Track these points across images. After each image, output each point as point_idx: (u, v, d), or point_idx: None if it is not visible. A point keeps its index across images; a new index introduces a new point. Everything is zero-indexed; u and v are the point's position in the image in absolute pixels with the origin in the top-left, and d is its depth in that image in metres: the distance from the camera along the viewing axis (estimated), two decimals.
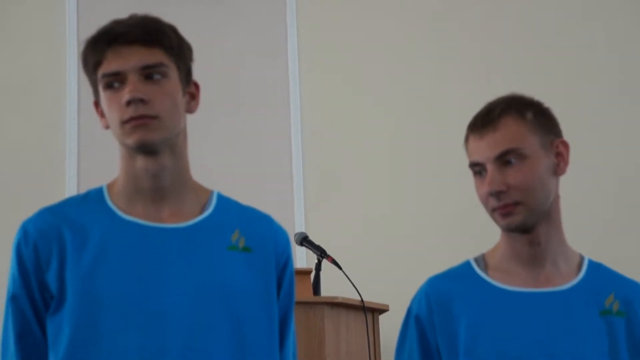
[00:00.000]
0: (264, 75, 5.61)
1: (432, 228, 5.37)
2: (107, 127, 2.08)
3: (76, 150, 5.39)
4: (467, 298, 2.15)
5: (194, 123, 2.19)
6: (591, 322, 2.11)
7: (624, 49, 5.62)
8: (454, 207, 5.21)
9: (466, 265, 2.23)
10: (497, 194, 2.08)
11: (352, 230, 5.31)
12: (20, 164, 5.38)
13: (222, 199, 2.19)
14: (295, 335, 2.25)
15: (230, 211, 2.17)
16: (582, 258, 2.22)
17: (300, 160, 5.48)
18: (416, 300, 2.21)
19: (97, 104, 2.10)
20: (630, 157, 5.46)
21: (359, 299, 3.59)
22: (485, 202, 2.12)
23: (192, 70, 2.14)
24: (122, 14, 2.11)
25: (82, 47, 2.09)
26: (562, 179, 2.18)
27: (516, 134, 2.10)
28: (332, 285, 3.82)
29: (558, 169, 2.15)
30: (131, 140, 2.01)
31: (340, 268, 3.66)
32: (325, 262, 3.79)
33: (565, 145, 2.17)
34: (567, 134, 2.20)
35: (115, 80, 2.02)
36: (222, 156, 5.39)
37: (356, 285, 3.55)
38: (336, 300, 3.60)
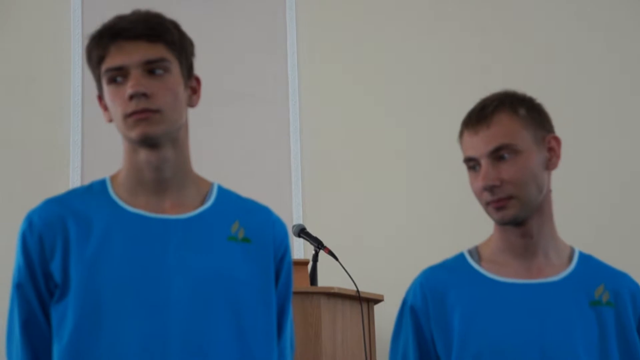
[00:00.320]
0: (263, 70, 5.61)
1: (427, 221, 5.37)
2: (110, 120, 2.08)
3: (80, 143, 5.39)
4: (461, 289, 2.16)
5: (195, 117, 2.19)
6: (581, 312, 2.12)
7: (618, 47, 5.62)
8: (448, 201, 5.21)
9: (460, 257, 2.23)
10: (491, 189, 2.08)
11: (349, 222, 5.31)
12: (25, 156, 5.38)
13: (222, 191, 2.19)
14: (292, 324, 2.25)
15: (230, 203, 2.17)
16: (572, 250, 2.22)
17: (298, 153, 5.48)
18: (411, 291, 2.21)
19: (100, 97, 2.10)
20: (622, 153, 5.47)
21: (355, 289, 3.59)
22: (479, 196, 2.12)
23: (194, 65, 2.14)
24: (126, 9, 2.10)
25: (86, 42, 2.09)
26: (554, 173, 2.19)
27: (509, 130, 2.10)
28: (329, 276, 3.82)
29: (550, 163, 2.15)
30: (134, 134, 2.01)
31: (336, 259, 3.66)
32: (322, 253, 3.79)
33: (557, 140, 2.17)
34: (558, 130, 2.20)
35: (118, 75, 2.01)
36: (222, 149, 5.39)
37: (352, 276, 3.55)
38: (332, 291, 3.60)
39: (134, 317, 1.97)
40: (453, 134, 2.21)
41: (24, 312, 2.03)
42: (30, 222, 2.05)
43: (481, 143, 2.10)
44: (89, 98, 5.23)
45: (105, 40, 2.03)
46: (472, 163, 2.13)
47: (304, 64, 5.61)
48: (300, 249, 5.09)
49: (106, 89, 2.04)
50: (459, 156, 2.17)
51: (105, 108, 2.08)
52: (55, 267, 2.01)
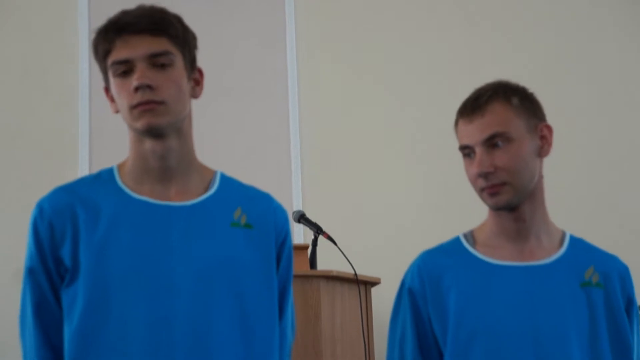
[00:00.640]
0: (263, 61, 5.59)
1: (422, 206, 5.37)
2: (116, 111, 2.08)
3: (88, 133, 5.38)
4: (457, 271, 2.16)
5: (198, 108, 2.19)
6: (572, 293, 2.12)
7: (606, 38, 5.62)
8: (443, 186, 5.21)
9: (456, 240, 2.24)
10: (486, 175, 2.08)
11: (347, 208, 5.31)
12: (35, 146, 5.37)
13: (225, 178, 2.19)
14: (293, 306, 2.25)
15: (233, 190, 2.17)
16: (564, 233, 2.23)
17: (297, 143, 5.47)
18: (409, 274, 2.21)
19: (107, 89, 2.10)
20: (611, 141, 5.48)
21: (353, 272, 3.59)
22: (474, 183, 2.13)
23: (196, 58, 2.14)
24: (131, 4, 2.10)
25: (93, 36, 2.09)
26: (546, 160, 2.19)
27: (503, 119, 2.10)
28: (328, 260, 3.81)
29: (542, 151, 2.15)
30: (139, 124, 2.01)
31: (335, 244, 3.65)
32: (321, 238, 3.79)
33: (549, 128, 2.16)
34: (550, 119, 2.21)
35: (124, 68, 2.01)
36: (225, 138, 5.39)
37: (350, 260, 3.55)
38: (331, 274, 3.60)
39: (140, 299, 1.97)
40: (450, 122, 2.21)
41: (36, 295, 2.04)
42: (41, 210, 2.06)
43: (476, 131, 2.10)
44: (97, 90, 5.21)
45: (111, 34, 2.02)
46: (467, 150, 2.13)
47: (302, 57, 5.60)
48: (300, 234, 5.09)
49: (112, 81, 2.04)
50: (455, 143, 2.17)
51: (111, 99, 2.08)
52: (65, 253, 2.01)
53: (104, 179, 2.12)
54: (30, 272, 2.04)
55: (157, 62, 2.01)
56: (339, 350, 3.57)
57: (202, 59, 2.16)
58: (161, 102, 2.00)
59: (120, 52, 2.01)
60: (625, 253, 2.35)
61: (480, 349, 2.07)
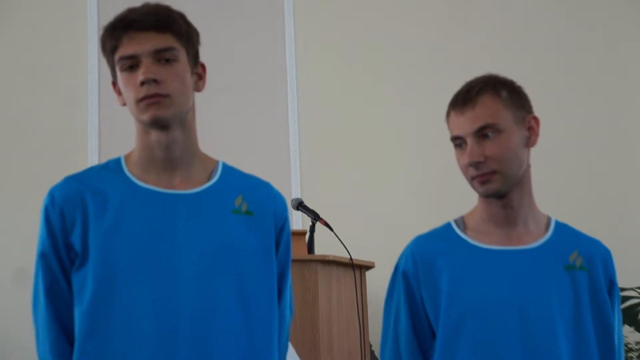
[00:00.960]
0: (263, 56, 5.58)
1: (415, 194, 5.38)
2: (123, 104, 2.08)
3: (97, 124, 5.38)
4: (449, 255, 2.16)
5: (201, 100, 2.19)
6: (557, 275, 2.12)
7: (592, 33, 5.61)
8: (434, 176, 5.21)
9: (447, 226, 2.24)
10: (476, 164, 2.08)
11: (343, 196, 5.31)
12: (47, 137, 5.37)
13: (226, 168, 2.18)
14: (292, 289, 2.25)
15: (234, 179, 2.16)
16: (549, 219, 2.23)
17: (296, 134, 5.47)
18: (403, 257, 2.22)
19: (114, 84, 2.09)
20: (594, 132, 5.48)
21: (348, 257, 3.59)
22: (465, 172, 2.13)
23: (199, 53, 2.14)
24: (137, 2, 2.10)
25: (101, 32, 2.08)
26: (533, 150, 2.19)
27: (492, 111, 2.10)
28: (325, 245, 3.81)
29: (529, 141, 2.15)
30: (145, 117, 2.01)
31: (331, 230, 3.65)
32: (318, 225, 3.78)
33: (536, 120, 2.16)
34: (537, 110, 2.21)
35: (130, 63, 2.01)
36: (227, 130, 5.38)
37: (346, 245, 3.55)
38: (328, 258, 3.60)
39: (146, 283, 1.97)
40: (442, 114, 2.20)
41: (47, 279, 2.03)
42: (52, 198, 2.05)
43: (467, 123, 2.10)
44: (105, 84, 5.20)
45: (118, 31, 2.02)
46: (458, 141, 2.13)
47: (301, 47, 5.59)
48: (298, 221, 5.09)
49: (120, 75, 2.04)
50: (446, 134, 2.17)
51: (119, 93, 2.08)
52: (75, 238, 2.01)
53: (111, 168, 2.12)
54: (43, 257, 2.04)
55: (162, 57, 2.01)
56: (335, 330, 3.57)
57: (205, 55, 2.16)
58: (166, 95, 2.00)
59: (127, 48, 2.01)
60: (605, 237, 2.35)
61: (470, 328, 2.07)
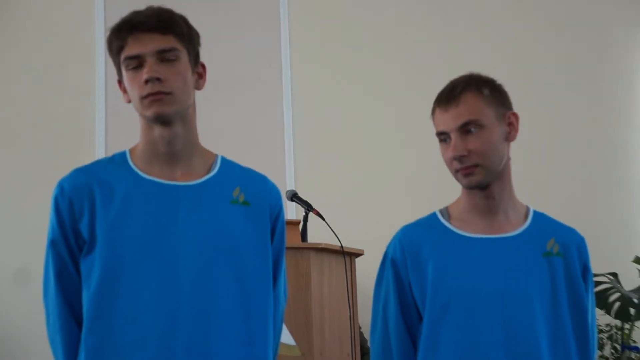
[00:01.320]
0: (259, 55, 5.57)
1: (402, 186, 5.38)
2: (128, 101, 2.08)
3: (104, 121, 5.37)
4: (434, 243, 2.16)
5: (201, 98, 2.19)
6: (535, 261, 2.13)
7: (567, 33, 5.62)
8: (420, 169, 5.21)
9: (432, 216, 2.24)
10: (460, 158, 2.08)
11: (334, 188, 5.31)
12: (56, 131, 5.37)
13: (225, 161, 2.19)
14: (286, 275, 2.26)
15: (232, 172, 2.17)
16: (528, 209, 2.23)
17: (290, 130, 5.47)
18: (391, 245, 2.22)
19: (120, 82, 2.09)
20: (568, 128, 5.50)
21: (339, 245, 3.59)
22: (449, 165, 2.13)
23: (200, 53, 2.14)
24: (141, 4, 2.10)
25: (107, 34, 2.08)
26: (513, 144, 2.20)
27: (475, 108, 2.10)
28: (317, 234, 3.81)
29: (510, 136, 2.15)
30: (149, 113, 2.01)
31: (323, 219, 3.65)
32: (311, 215, 3.78)
33: (516, 116, 2.16)
34: (516, 107, 2.21)
35: (135, 63, 2.01)
36: (225, 126, 5.37)
37: (337, 234, 3.55)
38: (320, 246, 3.59)
39: (150, 268, 1.98)
40: (427, 111, 2.20)
41: (57, 264, 2.04)
42: (62, 188, 2.05)
43: (451, 119, 2.10)
44: (111, 83, 5.21)
45: (124, 32, 2.02)
46: (443, 136, 2.13)
47: (295, 46, 5.59)
48: (292, 211, 5.09)
49: (125, 74, 2.04)
50: (432, 130, 2.17)
51: (124, 91, 2.08)
52: (83, 226, 2.01)
53: (117, 161, 2.12)
54: (53, 244, 2.04)
55: (165, 57, 2.01)
56: (327, 312, 3.58)
57: (205, 54, 2.16)
58: (169, 93, 2.00)
59: (132, 48, 2.01)
60: (580, 225, 2.35)
61: (455, 311, 2.08)
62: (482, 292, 2.08)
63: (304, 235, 3.80)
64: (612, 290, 4.89)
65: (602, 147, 5.50)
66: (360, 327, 4.25)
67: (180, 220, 2.03)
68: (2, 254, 5.19)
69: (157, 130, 2.05)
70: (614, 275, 5.00)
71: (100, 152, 5.26)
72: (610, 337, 5.03)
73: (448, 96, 2.12)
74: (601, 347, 4.99)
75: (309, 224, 3.83)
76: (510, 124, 2.15)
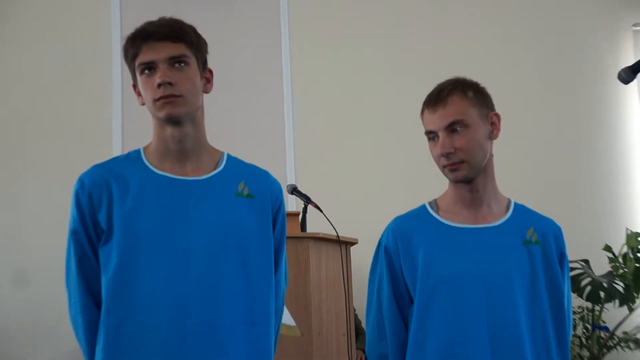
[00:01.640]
0: (260, 58, 5.55)
1: (395, 180, 5.36)
2: (143, 104, 2.08)
3: (120, 121, 5.36)
4: (424, 233, 2.17)
5: (207, 98, 2.19)
6: (516, 249, 2.13)
7: (545, 36, 5.61)
8: (411, 164, 5.19)
9: (422, 208, 2.24)
10: (447, 155, 2.10)
11: (332, 182, 5.30)
12: (77, 130, 5.35)
13: (230, 158, 2.19)
14: (286, 262, 2.26)
15: (237, 167, 2.17)
16: (509, 201, 2.24)
17: (291, 128, 5.46)
18: (385, 235, 2.22)
19: (135, 86, 2.10)
20: (547, 127, 5.49)
21: (336, 234, 3.59)
22: (437, 161, 2.14)
23: (207, 60, 2.14)
24: (154, 15, 2.10)
25: (123, 42, 2.09)
26: (495, 142, 2.20)
27: (461, 109, 2.10)
28: (315, 224, 3.80)
29: (492, 134, 2.16)
30: (161, 114, 2.02)
31: (321, 211, 3.64)
32: (310, 207, 3.77)
33: (498, 116, 2.17)
34: (498, 108, 2.22)
35: (149, 68, 2.02)
36: (231, 125, 5.36)
37: (333, 224, 3.54)
38: (318, 236, 3.59)
39: (163, 256, 1.98)
40: (418, 110, 2.21)
41: (78, 252, 2.05)
42: (82, 183, 2.06)
43: (439, 119, 2.11)
44: (127, 87, 5.21)
45: (139, 41, 2.03)
46: (431, 135, 2.14)
47: (295, 55, 5.57)
48: (293, 204, 5.08)
49: (139, 79, 2.05)
50: (421, 128, 2.17)
51: (138, 94, 2.09)
52: (102, 217, 2.02)
53: (132, 158, 2.13)
54: (74, 233, 2.05)
55: (176, 63, 2.02)
56: (324, 297, 3.58)
57: (211, 61, 2.17)
58: (179, 96, 2.01)
59: (146, 55, 2.02)
60: (558, 217, 2.36)
61: (443, 294, 2.08)
62: (467, 277, 2.08)
63: (303, 225, 3.80)
64: (584, 276, 4.90)
65: (578, 148, 5.51)
66: (354, 310, 4.26)
67: (190, 211, 2.03)
68: (2, 254, 5.13)
69: (169, 130, 2.06)
70: (586, 261, 5.01)
71: (117, 150, 5.26)
72: (582, 318, 5.04)
73: (436, 98, 2.13)
74: (574, 327, 4.99)
75: (308, 215, 3.82)
76: (492, 124, 2.16)
